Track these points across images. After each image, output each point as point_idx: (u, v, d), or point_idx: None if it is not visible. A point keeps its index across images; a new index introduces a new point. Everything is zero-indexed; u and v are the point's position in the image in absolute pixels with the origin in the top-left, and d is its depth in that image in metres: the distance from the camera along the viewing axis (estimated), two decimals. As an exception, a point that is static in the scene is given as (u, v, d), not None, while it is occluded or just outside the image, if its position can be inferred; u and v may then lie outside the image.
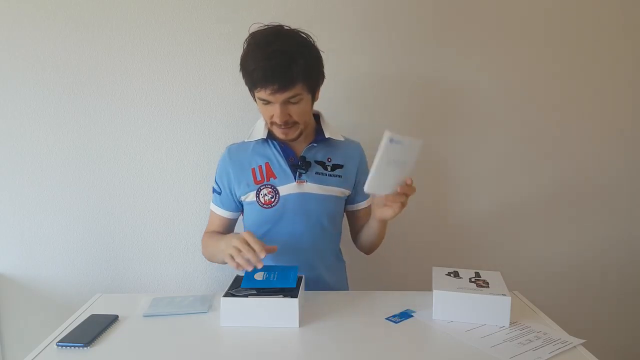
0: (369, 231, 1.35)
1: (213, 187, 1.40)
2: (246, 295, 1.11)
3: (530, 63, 1.70)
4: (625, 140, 1.78)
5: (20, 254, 1.69)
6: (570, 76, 1.72)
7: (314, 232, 1.32)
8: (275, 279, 1.15)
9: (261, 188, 1.30)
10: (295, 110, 1.20)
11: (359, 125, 1.66)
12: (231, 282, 1.19)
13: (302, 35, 1.20)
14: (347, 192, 1.36)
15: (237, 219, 1.43)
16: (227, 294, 1.11)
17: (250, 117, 1.67)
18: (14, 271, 1.70)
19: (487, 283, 1.16)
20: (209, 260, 1.40)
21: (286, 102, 1.17)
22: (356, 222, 1.47)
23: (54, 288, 1.72)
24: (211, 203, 1.42)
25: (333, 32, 1.62)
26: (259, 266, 1.08)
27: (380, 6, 1.64)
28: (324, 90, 1.30)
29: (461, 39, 1.68)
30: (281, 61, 1.12)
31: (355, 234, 1.48)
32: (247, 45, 1.19)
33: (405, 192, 1.10)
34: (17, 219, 1.67)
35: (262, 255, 1.08)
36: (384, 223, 1.28)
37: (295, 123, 1.23)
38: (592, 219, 1.82)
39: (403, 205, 1.13)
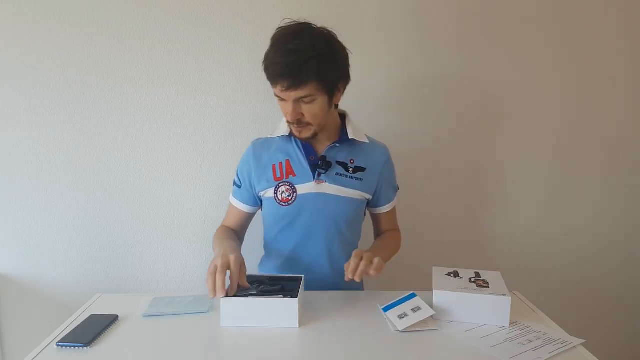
0: None
1: (234, 180, 1.39)
2: (246, 295, 1.11)
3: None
4: (627, 140, 1.78)
5: (21, 254, 1.69)
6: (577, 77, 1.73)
7: (330, 233, 1.31)
8: None
9: (279, 185, 1.29)
10: (308, 110, 1.19)
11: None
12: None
13: (324, 34, 1.18)
14: (367, 195, 1.34)
15: (254, 213, 1.42)
16: (227, 294, 1.11)
17: (251, 118, 1.67)
18: (14, 271, 1.70)
19: (487, 283, 1.16)
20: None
21: (298, 101, 1.17)
22: (377, 225, 1.47)
23: (54, 288, 1.72)
24: (231, 195, 1.41)
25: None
26: (221, 295, 1.06)
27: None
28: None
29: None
30: (294, 60, 1.11)
31: (376, 236, 1.49)
32: (271, 40, 1.19)
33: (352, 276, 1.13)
34: (17, 219, 1.67)
35: (224, 293, 1.06)
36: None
37: (308, 124, 1.22)
38: (593, 219, 1.82)
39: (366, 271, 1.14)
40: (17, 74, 1.59)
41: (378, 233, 1.48)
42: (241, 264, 1.12)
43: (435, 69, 1.68)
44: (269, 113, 1.67)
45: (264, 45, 1.61)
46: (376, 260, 1.14)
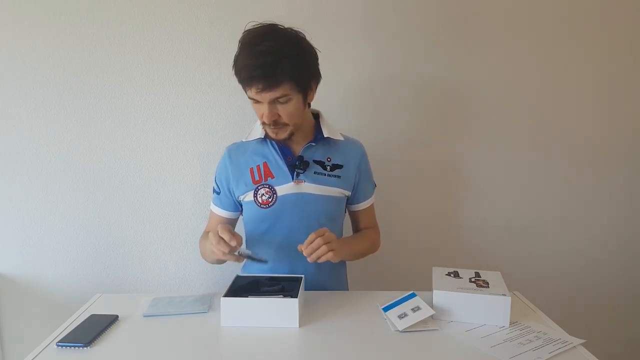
0: None
1: (213, 188, 1.40)
2: (246, 295, 1.11)
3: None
4: (625, 142, 1.78)
5: (21, 254, 1.69)
6: (570, 78, 1.72)
7: (312, 233, 1.32)
8: None
9: (259, 188, 1.30)
10: (284, 111, 1.19)
11: (363, 126, 1.67)
12: (231, 282, 1.19)
13: (293, 34, 1.18)
14: (347, 192, 1.35)
15: (236, 219, 1.42)
16: (227, 294, 1.11)
17: (251, 118, 1.67)
18: (14, 271, 1.70)
19: (487, 283, 1.16)
20: (206, 261, 1.40)
21: (274, 102, 1.17)
22: (355, 223, 1.47)
23: (54, 288, 1.72)
24: (211, 204, 1.42)
25: (336, 32, 1.62)
26: (233, 244, 1.12)
27: (386, 5, 1.63)
28: (327, 90, 1.30)
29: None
30: (266, 61, 1.11)
31: (354, 233, 1.49)
32: (239, 44, 1.19)
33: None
34: (17, 219, 1.67)
35: (232, 243, 1.12)
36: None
37: (285, 124, 1.22)
38: (593, 218, 1.82)
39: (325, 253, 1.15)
40: (17, 74, 1.59)
41: (356, 231, 1.48)
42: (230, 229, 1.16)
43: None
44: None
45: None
46: (326, 246, 1.14)
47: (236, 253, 1.16)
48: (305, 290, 1.26)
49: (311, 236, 1.15)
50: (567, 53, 1.70)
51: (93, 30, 1.59)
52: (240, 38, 1.18)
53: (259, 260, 1.20)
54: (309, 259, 1.15)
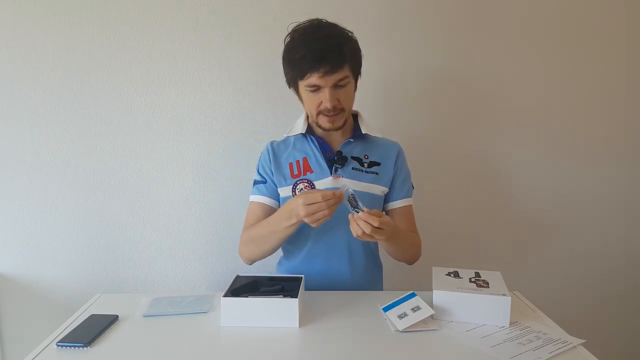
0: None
1: (255, 180, 1.37)
2: (246, 295, 1.11)
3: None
4: (625, 143, 1.78)
5: (21, 254, 1.69)
6: (578, 78, 1.73)
7: (349, 228, 1.26)
8: None
9: (297, 183, 1.31)
10: (343, 95, 1.22)
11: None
12: (231, 282, 1.19)
13: (342, 26, 1.25)
14: (385, 189, 1.34)
15: (276, 210, 1.37)
16: (227, 294, 1.11)
17: (251, 117, 1.67)
18: (15, 271, 1.70)
19: (487, 283, 1.16)
20: (252, 257, 1.33)
21: (335, 86, 1.20)
22: None
23: (54, 288, 1.72)
24: (252, 196, 1.36)
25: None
26: (338, 194, 1.09)
27: (388, 4, 1.64)
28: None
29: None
30: (331, 43, 1.17)
31: None
32: (292, 39, 1.22)
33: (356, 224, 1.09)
34: (17, 219, 1.67)
35: (336, 193, 1.08)
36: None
37: (342, 110, 1.24)
38: (593, 219, 1.82)
39: (366, 234, 1.09)
40: (17, 74, 1.59)
41: None
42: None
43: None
44: (268, 113, 1.67)
45: (264, 44, 1.63)
46: (371, 234, 1.08)
47: (349, 193, 1.10)
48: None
49: (369, 216, 1.08)
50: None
51: (93, 30, 1.59)
52: (291, 34, 1.22)
53: (359, 208, 1.11)
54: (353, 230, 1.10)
